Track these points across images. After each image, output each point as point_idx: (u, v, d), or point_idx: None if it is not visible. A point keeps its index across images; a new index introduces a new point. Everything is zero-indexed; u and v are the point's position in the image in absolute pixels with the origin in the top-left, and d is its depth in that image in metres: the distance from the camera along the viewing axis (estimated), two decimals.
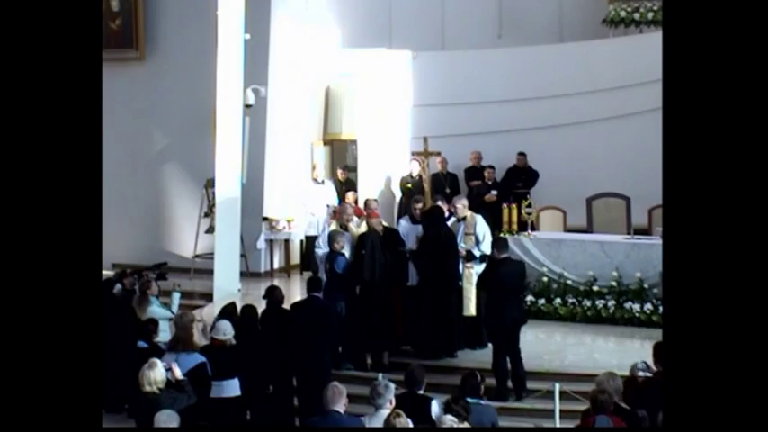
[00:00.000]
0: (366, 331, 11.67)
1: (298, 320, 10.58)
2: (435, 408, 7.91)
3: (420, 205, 12.74)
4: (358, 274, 11.60)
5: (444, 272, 11.64)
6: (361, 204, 15.34)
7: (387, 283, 11.68)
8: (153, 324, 10.63)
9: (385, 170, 17.07)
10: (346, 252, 11.71)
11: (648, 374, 8.58)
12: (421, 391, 8.19)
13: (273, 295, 10.98)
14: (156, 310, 11.43)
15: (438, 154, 16.49)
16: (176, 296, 12.00)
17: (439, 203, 12.51)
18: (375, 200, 13.70)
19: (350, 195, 15.96)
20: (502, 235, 13.64)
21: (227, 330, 9.86)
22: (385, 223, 12.39)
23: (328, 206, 15.93)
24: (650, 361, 8.65)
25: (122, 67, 16.63)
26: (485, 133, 17.10)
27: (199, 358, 9.45)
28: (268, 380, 10.46)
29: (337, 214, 13.10)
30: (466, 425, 7.50)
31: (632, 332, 12.57)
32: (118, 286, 11.98)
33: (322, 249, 12.07)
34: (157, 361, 8.53)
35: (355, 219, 12.51)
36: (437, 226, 11.75)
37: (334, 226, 12.37)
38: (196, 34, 16.13)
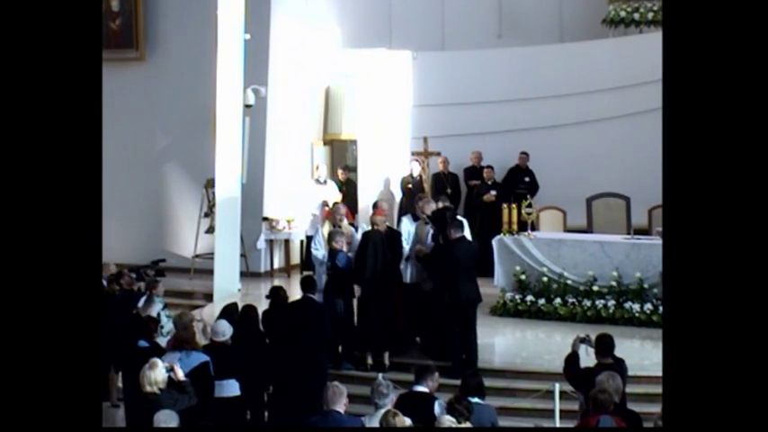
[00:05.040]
0: (367, 331, 11.66)
1: (293, 320, 10.57)
2: (438, 408, 7.91)
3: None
4: (360, 272, 11.59)
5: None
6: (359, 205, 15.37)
7: (388, 283, 11.67)
8: (154, 323, 10.61)
9: (385, 170, 17.06)
10: (344, 249, 11.72)
11: (590, 347, 8.78)
12: (426, 390, 8.20)
13: (278, 295, 10.99)
14: (160, 313, 11.37)
15: (438, 154, 16.49)
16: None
17: (441, 204, 12.56)
18: (384, 201, 13.67)
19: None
20: (503, 234, 13.70)
21: (225, 332, 9.85)
22: (387, 223, 12.39)
23: (322, 204, 15.92)
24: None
25: (122, 67, 16.62)
26: (485, 133, 17.10)
27: (202, 357, 9.44)
28: (268, 380, 10.47)
29: (329, 214, 13.10)
30: (468, 425, 7.50)
31: (632, 332, 12.56)
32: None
33: (320, 251, 12.06)
34: (158, 361, 8.52)
35: (345, 221, 12.51)
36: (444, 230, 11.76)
37: (327, 226, 12.36)
38: (196, 34, 16.13)
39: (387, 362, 11.61)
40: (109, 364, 11.28)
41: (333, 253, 11.65)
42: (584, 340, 8.88)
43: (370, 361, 11.65)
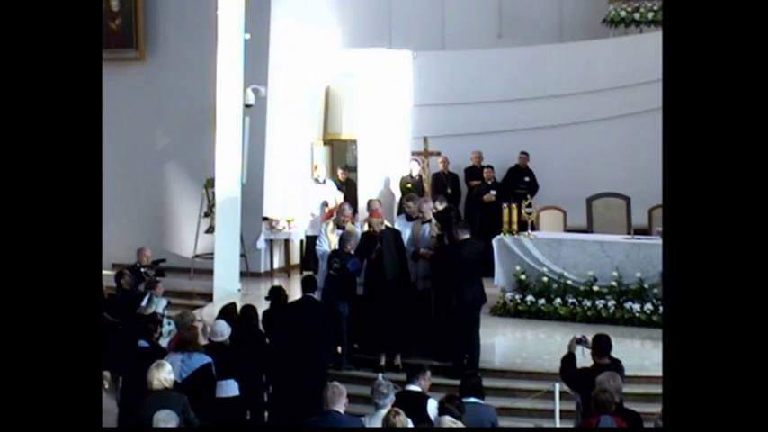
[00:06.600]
0: (379, 332, 11.63)
1: (293, 320, 10.57)
2: (433, 407, 7.91)
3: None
4: (377, 274, 11.56)
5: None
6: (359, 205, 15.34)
7: (399, 284, 11.67)
8: (153, 323, 10.61)
9: (385, 170, 17.06)
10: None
11: (587, 348, 8.78)
12: (418, 389, 8.20)
13: (278, 296, 10.98)
14: (163, 312, 11.35)
15: (438, 154, 16.50)
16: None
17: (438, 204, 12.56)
18: (378, 200, 13.74)
19: (339, 196, 15.96)
20: (503, 234, 13.70)
21: (223, 332, 9.87)
22: (387, 223, 12.38)
23: (324, 204, 15.92)
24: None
25: (122, 67, 16.62)
26: (485, 133, 17.10)
27: (204, 359, 9.45)
28: (268, 380, 10.46)
29: (330, 214, 13.08)
30: (460, 424, 7.49)
31: (632, 332, 12.56)
32: None
33: (323, 247, 12.05)
34: (165, 362, 8.52)
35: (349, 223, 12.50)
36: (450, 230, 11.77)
37: (331, 225, 12.35)
38: (196, 34, 16.13)
39: (399, 362, 11.58)
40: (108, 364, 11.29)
41: (342, 255, 11.57)
42: (580, 341, 8.89)
43: (382, 362, 11.62)
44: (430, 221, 12.05)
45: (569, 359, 8.85)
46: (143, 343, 10.02)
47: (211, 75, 14.93)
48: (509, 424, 9.89)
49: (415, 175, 16.47)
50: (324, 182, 16.48)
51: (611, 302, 13.09)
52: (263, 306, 11.41)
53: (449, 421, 7.37)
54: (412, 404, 7.88)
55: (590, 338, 8.85)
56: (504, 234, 13.71)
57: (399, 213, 13.31)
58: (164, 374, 8.32)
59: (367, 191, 16.67)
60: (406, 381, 8.38)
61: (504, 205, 13.99)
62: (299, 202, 16.55)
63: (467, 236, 11.42)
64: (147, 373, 8.37)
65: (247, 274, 16.05)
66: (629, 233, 14.62)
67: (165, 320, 11.07)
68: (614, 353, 8.84)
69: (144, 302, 11.36)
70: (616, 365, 8.57)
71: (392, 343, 11.66)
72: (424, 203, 12.34)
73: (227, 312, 10.63)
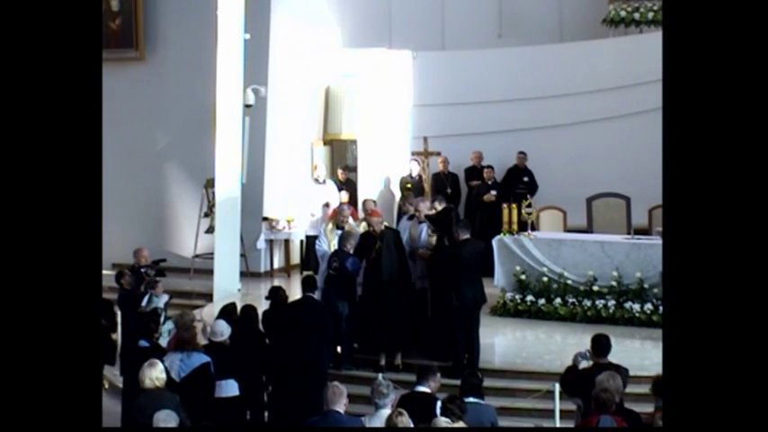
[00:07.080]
0: (379, 332, 11.63)
1: (293, 320, 10.57)
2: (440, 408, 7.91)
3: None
4: (375, 274, 11.57)
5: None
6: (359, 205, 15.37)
7: (400, 284, 11.66)
8: (154, 323, 10.61)
9: (385, 170, 17.07)
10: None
11: (589, 362, 8.75)
12: (427, 390, 8.19)
13: (278, 296, 10.98)
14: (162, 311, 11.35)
15: (438, 154, 16.51)
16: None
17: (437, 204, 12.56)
18: (373, 200, 13.72)
19: (344, 195, 15.95)
20: (503, 234, 13.70)
21: (223, 332, 9.87)
22: (386, 223, 12.38)
23: (326, 205, 15.93)
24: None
25: (122, 67, 16.63)
26: (485, 133, 17.10)
27: (203, 358, 9.45)
28: (268, 380, 10.47)
29: (334, 214, 13.10)
30: (461, 424, 7.48)
31: (632, 332, 12.56)
32: None
33: (323, 247, 12.06)
34: (157, 361, 8.52)
35: (351, 220, 12.50)
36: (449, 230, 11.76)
37: (330, 225, 12.35)
38: (196, 34, 16.13)
39: (399, 362, 11.58)
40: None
41: (341, 254, 11.57)
42: (584, 356, 8.87)
43: (383, 362, 11.61)
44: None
45: (572, 371, 8.82)
46: (143, 343, 10.02)
47: (211, 75, 14.94)
48: (509, 424, 9.90)
49: (415, 175, 16.48)
50: (324, 182, 16.47)
51: (611, 302, 13.09)
52: (263, 306, 11.41)
53: (443, 422, 7.35)
54: (421, 405, 7.87)
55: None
56: (504, 234, 13.71)
57: (401, 214, 13.33)
58: (155, 374, 8.31)
59: (367, 191, 16.69)
60: (416, 382, 8.36)
61: (504, 205, 13.99)
62: (299, 202, 16.56)
63: (467, 236, 11.43)
64: (140, 372, 8.37)
65: (247, 274, 16.05)
66: (629, 233, 14.62)
67: (164, 318, 11.08)
68: (614, 353, 8.83)
69: (144, 302, 11.37)
70: (618, 370, 8.55)
71: (392, 343, 11.66)
72: (420, 203, 12.34)
73: (227, 312, 10.63)
